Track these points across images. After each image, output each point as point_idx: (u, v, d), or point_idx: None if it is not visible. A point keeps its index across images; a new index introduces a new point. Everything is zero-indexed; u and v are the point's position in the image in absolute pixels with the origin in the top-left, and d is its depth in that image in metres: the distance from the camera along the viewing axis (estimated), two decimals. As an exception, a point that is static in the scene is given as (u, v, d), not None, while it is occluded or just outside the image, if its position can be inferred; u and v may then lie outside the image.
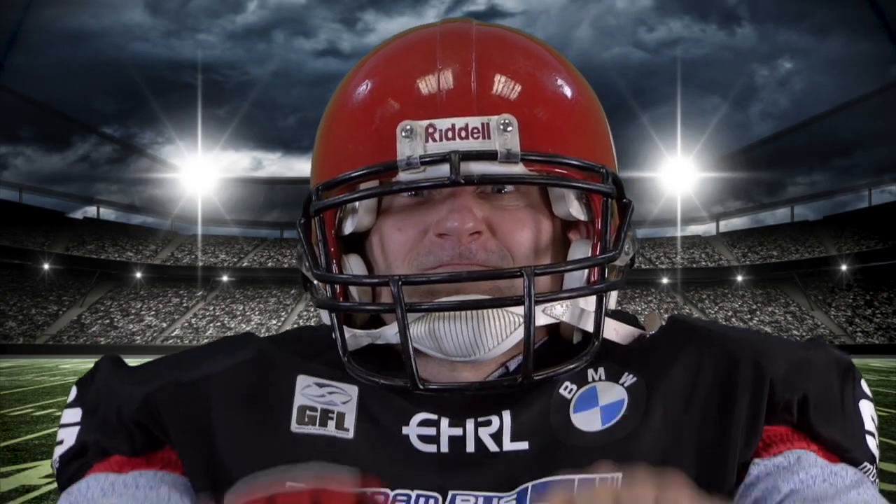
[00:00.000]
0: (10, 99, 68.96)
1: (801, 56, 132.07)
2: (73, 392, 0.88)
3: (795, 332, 46.90)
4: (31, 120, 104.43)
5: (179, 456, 0.80)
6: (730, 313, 51.05)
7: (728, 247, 60.82)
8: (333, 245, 0.83)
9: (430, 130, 0.75)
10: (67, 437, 0.84)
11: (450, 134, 0.74)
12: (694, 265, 57.47)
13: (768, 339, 0.85)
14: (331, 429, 0.81)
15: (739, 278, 55.37)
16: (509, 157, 0.73)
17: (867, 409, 0.85)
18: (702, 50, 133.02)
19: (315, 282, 0.84)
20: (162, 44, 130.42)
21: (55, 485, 6.58)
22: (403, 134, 0.74)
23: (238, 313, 52.80)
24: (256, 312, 52.91)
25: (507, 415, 0.80)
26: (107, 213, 68.30)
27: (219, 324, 50.70)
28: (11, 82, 70.05)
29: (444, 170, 0.73)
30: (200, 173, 65.99)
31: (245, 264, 59.40)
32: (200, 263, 58.60)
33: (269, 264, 59.25)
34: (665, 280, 55.67)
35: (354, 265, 0.85)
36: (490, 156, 0.73)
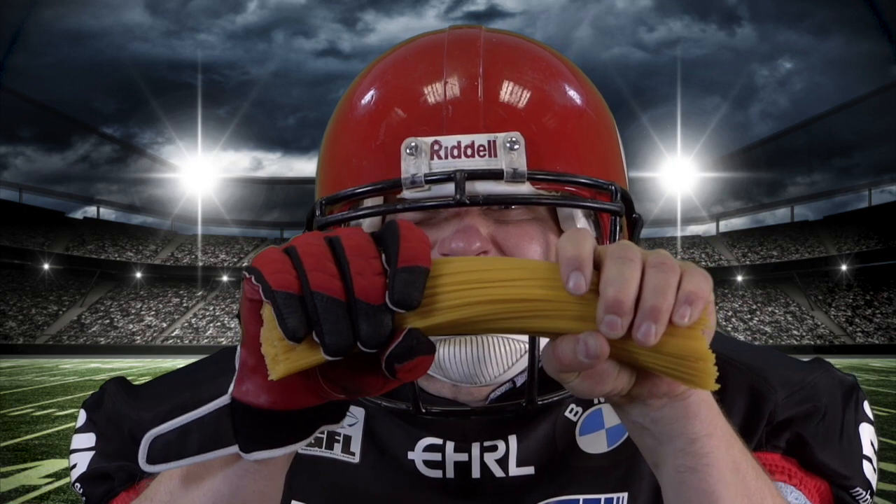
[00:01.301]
0: (10, 99, 69.02)
1: (801, 56, 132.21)
2: (82, 416, 0.88)
3: (795, 332, 46.92)
4: (31, 120, 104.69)
5: None
6: (730, 313, 51.02)
7: (728, 247, 60.81)
8: None
9: (436, 147, 0.73)
10: (81, 462, 0.84)
11: (455, 152, 0.72)
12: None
13: (770, 362, 0.84)
14: (337, 452, 0.81)
15: (739, 278, 55.34)
16: (515, 177, 0.72)
17: (867, 433, 0.84)
18: (702, 50, 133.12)
19: None
20: (162, 44, 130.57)
21: (55, 485, 6.55)
22: (408, 151, 0.73)
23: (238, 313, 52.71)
24: (256, 312, 52.81)
25: (513, 440, 0.80)
26: (107, 213, 68.46)
27: (219, 324, 50.69)
28: (11, 82, 70.09)
29: (449, 188, 0.72)
30: (200, 173, 66.02)
31: (245, 264, 58.88)
32: (200, 263, 58.58)
33: (269, 264, 59.12)
34: (665, 280, 55.48)
35: None
36: (496, 175, 0.71)
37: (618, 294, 0.50)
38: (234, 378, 0.58)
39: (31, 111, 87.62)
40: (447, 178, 0.71)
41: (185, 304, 54.43)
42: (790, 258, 55.31)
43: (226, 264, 58.73)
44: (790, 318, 49.49)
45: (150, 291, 56.20)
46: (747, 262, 56.78)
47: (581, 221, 0.80)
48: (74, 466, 0.85)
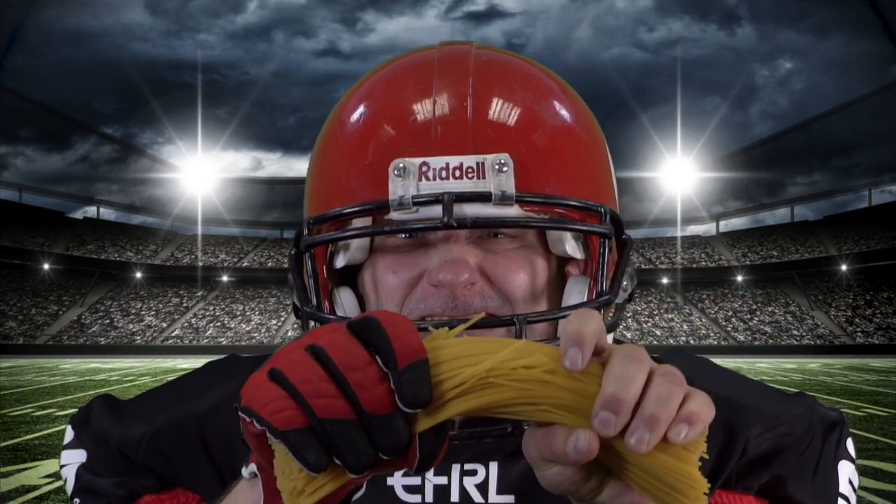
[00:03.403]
0: (10, 99, 68.97)
1: (801, 56, 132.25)
2: (70, 434, 0.88)
3: (795, 332, 46.92)
4: (31, 120, 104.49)
5: (191, 488, 0.83)
6: (730, 313, 51.02)
7: (728, 247, 60.80)
8: (324, 280, 0.81)
9: (424, 169, 0.72)
10: (73, 477, 0.86)
11: (444, 173, 0.72)
12: (694, 265, 57.46)
13: (751, 396, 0.83)
14: None
15: (739, 278, 55.33)
16: (504, 200, 0.71)
17: (846, 471, 0.84)
18: (702, 50, 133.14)
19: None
20: (162, 44, 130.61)
21: (55, 485, 6.55)
22: (396, 172, 0.72)
23: (238, 313, 52.79)
24: (256, 312, 52.90)
25: (493, 466, 0.79)
26: (107, 213, 68.40)
27: (219, 324, 50.69)
28: (11, 82, 70.09)
29: (436, 211, 0.71)
30: (200, 173, 65.97)
31: (245, 264, 59.36)
32: (200, 263, 58.57)
33: (269, 264, 59.23)
34: (665, 280, 55.64)
35: (346, 300, 0.82)
36: (484, 197, 0.71)
37: (617, 391, 0.49)
38: (262, 501, 0.58)
39: (31, 111, 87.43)
40: (435, 200, 0.71)
41: (185, 304, 54.44)
42: (790, 258, 55.31)
43: (226, 264, 58.73)
44: (790, 318, 49.50)
45: (150, 291, 56.19)
46: (747, 262, 56.77)
47: (570, 244, 0.80)
48: (66, 480, 0.86)
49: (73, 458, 0.86)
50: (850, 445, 0.85)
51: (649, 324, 49.61)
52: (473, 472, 0.79)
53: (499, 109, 0.76)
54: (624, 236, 0.81)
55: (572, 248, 0.80)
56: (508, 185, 0.71)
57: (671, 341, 46.56)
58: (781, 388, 0.92)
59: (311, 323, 0.79)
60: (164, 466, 0.82)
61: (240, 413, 0.51)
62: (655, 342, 46.27)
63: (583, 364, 0.50)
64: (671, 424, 0.50)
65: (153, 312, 52.71)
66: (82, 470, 0.84)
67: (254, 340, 47.85)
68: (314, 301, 0.78)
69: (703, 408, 0.51)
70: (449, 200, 0.70)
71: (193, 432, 0.82)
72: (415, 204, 0.72)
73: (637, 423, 0.49)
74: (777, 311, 51.15)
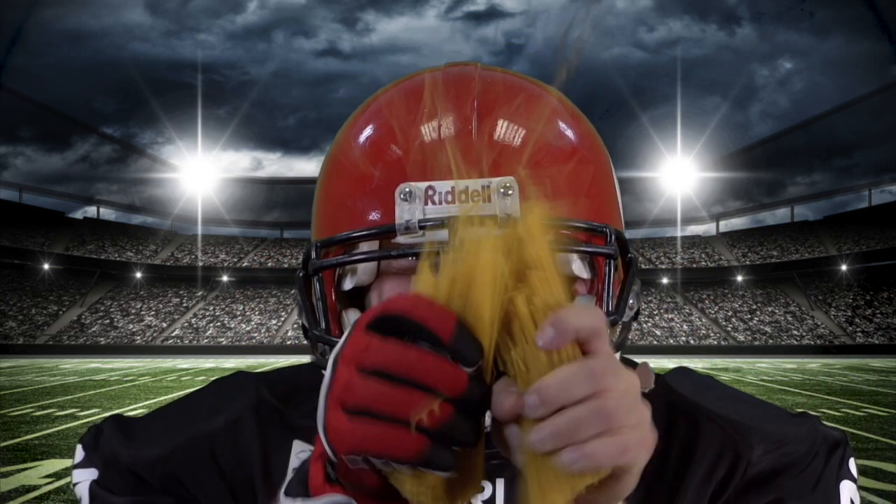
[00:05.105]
0: (10, 99, 68.97)
1: (801, 56, 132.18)
2: (80, 453, 0.88)
3: (795, 332, 46.93)
4: (31, 120, 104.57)
5: None
6: (730, 313, 51.03)
7: (728, 247, 60.82)
8: (332, 303, 0.83)
9: (430, 193, 0.74)
10: (85, 494, 0.87)
11: (449, 197, 0.73)
12: (694, 265, 57.48)
13: (754, 416, 0.84)
14: None
15: (739, 278, 55.35)
16: (509, 223, 0.71)
17: (847, 491, 0.84)
18: (702, 50, 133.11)
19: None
20: (162, 44, 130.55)
21: (55, 485, 6.53)
22: (402, 197, 0.73)
23: (238, 313, 52.80)
24: (256, 312, 52.92)
25: (500, 483, 0.79)
26: (107, 213, 68.42)
27: (219, 324, 50.70)
28: (11, 82, 70.07)
29: (442, 234, 0.73)
30: (200, 173, 65.99)
31: (245, 264, 59.38)
32: (200, 263, 58.58)
33: (269, 264, 59.26)
34: (665, 280, 55.67)
35: (354, 321, 0.85)
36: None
37: (554, 385, 0.49)
38: None
39: (31, 111, 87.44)
40: (440, 224, 0.73)
41: (185, 304, 54.45)
42: (790, 258, 55.33)
43: (226, 264, 58.74)
44: (790, 318, 49.51)
45: (150, 291, 56.22)
46: (747, 262, 56.80)
47: (576, 263, 0.80)
48: (80, 499, 0.87)
49: (84, 476, 0.87)
50: (852, 465, 0.86)
51: (649, 324, 49.62)
52: (481, 489, 0.83)
53: (503, 131, 0.77)
54: (629, 255, 0.83)
55: (578, 267, 0.80)
56: (514, 208, 0.72)
57: (671, 341, 46.57)
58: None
59: (320, 345, 0.82)
60: (178, 488, 0.83)
61: (345, 459, 0.52)
62: (655, 342, 46.28)
63: (553, 350, 0.51)
64: (569, 447, 0.49)
65: (153, 312, 52.73)
66: (96, 486, 0.85)
67: (254, 340, 47.87)
68: (323, 324, 0.80)
69: (610, 449, 0.49)
70: (455, 224, 0.70)
71: (205, 453, 0.84)
72: (421, 228, 0.73)
73: (546, 423, 0.49)
74: (777, 311, 51.17)
